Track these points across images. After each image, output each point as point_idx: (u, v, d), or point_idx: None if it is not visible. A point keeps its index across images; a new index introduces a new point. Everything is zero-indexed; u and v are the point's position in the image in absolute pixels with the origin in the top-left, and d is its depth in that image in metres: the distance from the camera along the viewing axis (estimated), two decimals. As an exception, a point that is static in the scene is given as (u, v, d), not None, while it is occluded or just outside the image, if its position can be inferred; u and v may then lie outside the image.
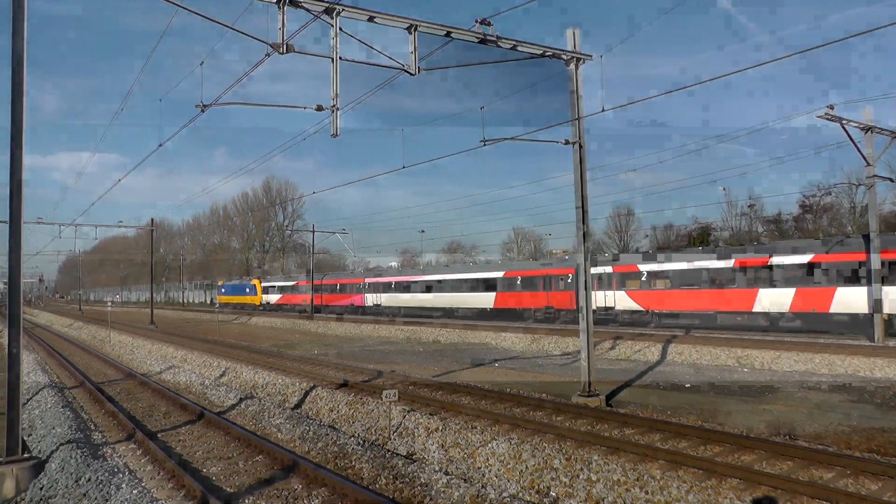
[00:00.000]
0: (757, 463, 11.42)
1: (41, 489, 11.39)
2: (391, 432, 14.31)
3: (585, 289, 17.37)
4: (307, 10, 13.39)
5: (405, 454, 13.07)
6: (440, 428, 13.67)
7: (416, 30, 14.63)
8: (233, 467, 12.58)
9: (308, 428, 15.04)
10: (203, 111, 15.41)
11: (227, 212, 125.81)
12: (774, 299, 32.09)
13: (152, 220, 64.96)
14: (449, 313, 53.81)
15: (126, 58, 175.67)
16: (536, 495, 10.46)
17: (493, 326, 39.45)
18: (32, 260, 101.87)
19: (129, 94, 36.87)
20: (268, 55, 13.23)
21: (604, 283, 40.55)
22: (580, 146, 17.59)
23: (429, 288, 56.74)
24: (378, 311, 61.89)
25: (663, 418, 15.00)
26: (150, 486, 11.36)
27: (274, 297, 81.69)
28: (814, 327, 31.04)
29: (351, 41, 13.93)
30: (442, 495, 10.07)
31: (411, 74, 14.66)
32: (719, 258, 34.91)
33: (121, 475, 11.49)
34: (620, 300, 39.63)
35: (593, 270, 41.65)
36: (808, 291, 30.99)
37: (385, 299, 61.60)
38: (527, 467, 11.28)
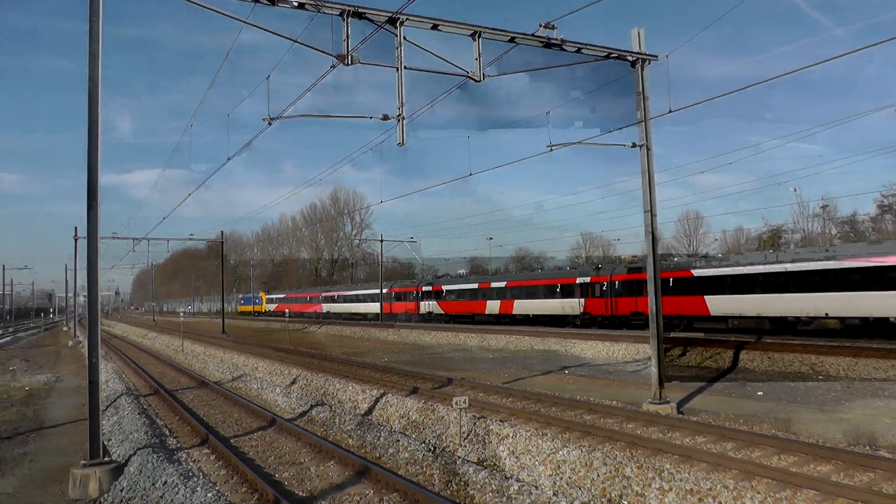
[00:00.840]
0: (835, 474, 11.01)
1: (121, 491, 11.79)
2: (462, 439, 14.34)
3: (655, 293, 17.13)
4: (371, 20, 13.57)
5: (476, 461, 13.07)
6: (511, 435, 13.64)
7: (479, 36, 14.68)
8: (304, 472, 12.78)
9: (378, 434, 15.18)
10: (270, 124, 15.66)
11: (295, 223, 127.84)
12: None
13: (222, 232, 66.46)
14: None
15: (194, 77, 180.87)
16: (608, 503, 10.36)
17: (561, 333, 39.16)
18: (108, 273, 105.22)
19: (196, 112, 37.78)
20: (333, 66, 13.40)
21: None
22: (647, 149, 17.38)
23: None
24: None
25: (736, 426, 14.68)
26: (224, 489, 11.61)
27: (272, 307, 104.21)
28: None
29: (415, 50, 14.05)
30: (514, 502, 10.06)
31: (476, 81, 14.70)
32: None
33: (195, 479, 11.80)
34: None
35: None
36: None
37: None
38: (598, 475, 11.18)
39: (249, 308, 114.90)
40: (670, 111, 16.17)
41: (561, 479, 11.54)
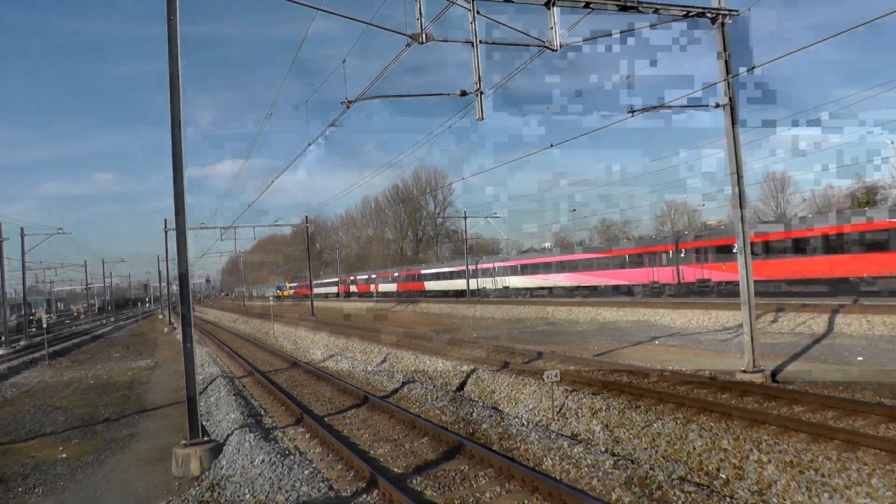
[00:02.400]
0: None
1: (221, 469, 12.25)
2: (554, 413, 14.40)
3: (745, 258, 16.75)
4: (444, -5, 13.47)
5: (569, 435, 13.13)
6: (604, 408, 13.63)
7: (554, 4, 14.39)
8: (399, 449, 13.02)
9: (471, 410, 15.35)
10: (348, 107, 15.79)
11: (378, 204, 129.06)
12: None
13: (306, 217, 67.64)
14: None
15: (269, 68, 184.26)
16: (706, 477, 10.23)
17: (649, 303, 38.75)
18: (199, 262, 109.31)
19: (275, 101, 38.39)
20: (408, 45, 13.42)
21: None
22: (731, 108, 16.92)
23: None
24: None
25: (835, 394, 14.32)
26: (321, 467, 11.96)
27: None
28: None
29: (490, 24, 13.93)
30: (610, 476, 10.06)
31: (553, 50, 14.49)
32: None
33: (292, 457, 12.18)
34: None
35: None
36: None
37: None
38: (694, 448, 11.08)
39: (279, 293, 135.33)
40: (753, 67, 15.61)
41: (657, 452, 11.49)
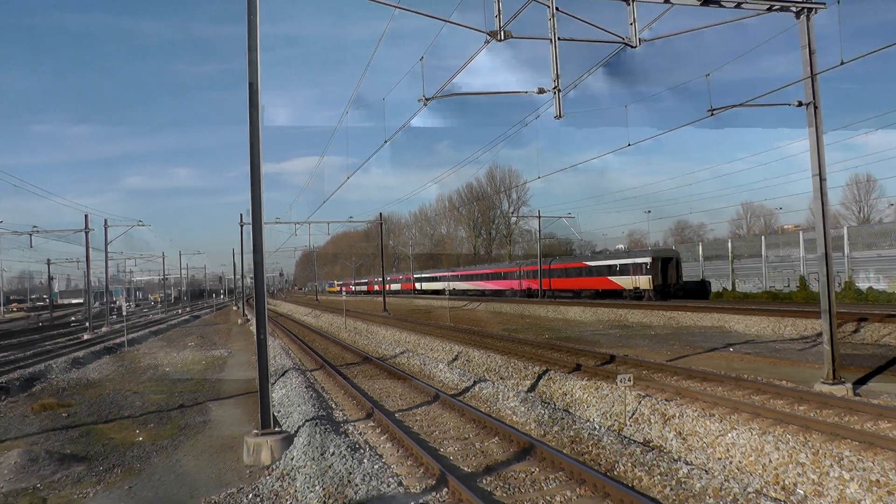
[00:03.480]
0: None
1: (291, 459, 12.43)
2: (626, 418, 14.26)
3: (826, 264, 16.25)
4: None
5: (642, 441, 12.98)
6: (677, 415, 13.42)
7: (634, 0, 14.21)
8: (468, 448, 13.04)
9: (543, 411, 15.28)
10: (425, 105, 15.86)
11: (451, 202, 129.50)
12: None
13: (380, 214, 68.39)
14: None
15: (347, 65, 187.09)
16: (782, 492, 9.94)
17: (723, 309, 38.00)
18: (273, 256, 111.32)
19: (352, 98, 38.69)
20: (486, 42, 13.40)
21: None
22: (815, 107, 16.34)
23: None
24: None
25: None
26: (390, 461, 12.02)
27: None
28: None
29: (567, 21, 13.80)
30: (683, 486, 9.91)
31: (632, 47, 14.25)
32: None
33: (362, 451, 12.32)
34: None
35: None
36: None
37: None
38: (770, 460, 10.81)
39: (330, 289, 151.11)
40: (842, 63, 15.03)
41: (731, 463, 11.26)
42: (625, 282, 55.63)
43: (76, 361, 29.98)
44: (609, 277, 58.68)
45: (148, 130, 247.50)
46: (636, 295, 53.54)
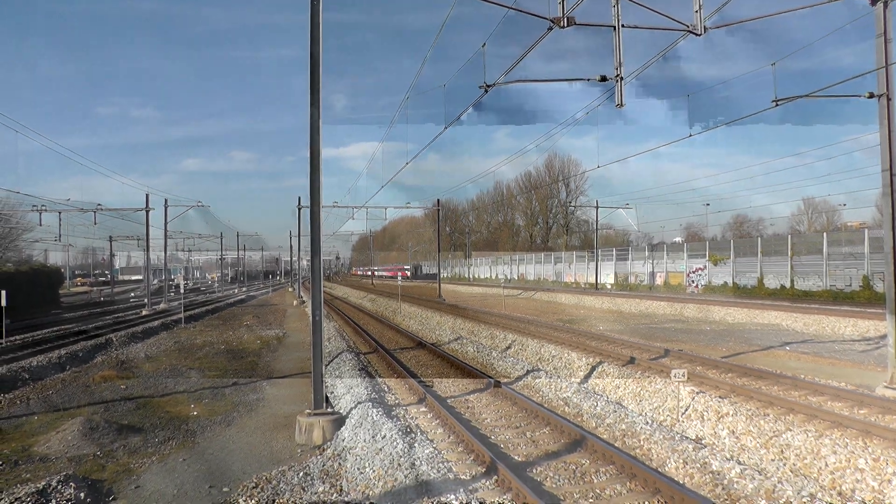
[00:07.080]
0: None
1: (342, 441, 12.59)
2: (679, 414, 14.14)
3: (894, 263, 15.66)
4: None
5: (694, 438, 12.84)
6: (731, 413, 13.25)
7: (699, -15, 13.87)
8: (520, 437, 13.05)
9: (595, 403, 15.24)
10: (486, 91, 15.80)
11: (510, 190, 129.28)
12: None
13: (438, 200, 68.59)
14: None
15: (408, 52, 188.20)
16: (839, 497, 9.71)
17: (782, 307, 37.25)
18: (330, 240, 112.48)
19: (413, 84, 38.89)
20: (549, 29, 13.28)
21: None
22: (888, 99, 15.70)
23: None
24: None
25: None
26: (441, 447, 12.09)
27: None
28: None
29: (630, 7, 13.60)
30: (735, 486, 9.79)
31: (697, 35, 13.98)
32: None
33: (413, 435, 12.42)
34: None
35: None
36: None
37: None
38: (826, 464, 10.60)
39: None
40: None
41: (784, 465, 11.08)
42: None
43: (134, 336, 30.87)
44: None
45: (207, 115, 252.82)
46: None
